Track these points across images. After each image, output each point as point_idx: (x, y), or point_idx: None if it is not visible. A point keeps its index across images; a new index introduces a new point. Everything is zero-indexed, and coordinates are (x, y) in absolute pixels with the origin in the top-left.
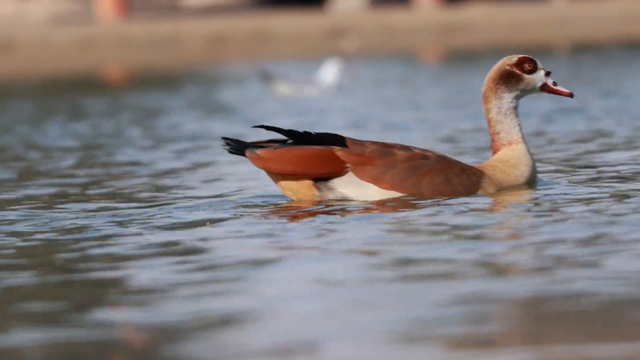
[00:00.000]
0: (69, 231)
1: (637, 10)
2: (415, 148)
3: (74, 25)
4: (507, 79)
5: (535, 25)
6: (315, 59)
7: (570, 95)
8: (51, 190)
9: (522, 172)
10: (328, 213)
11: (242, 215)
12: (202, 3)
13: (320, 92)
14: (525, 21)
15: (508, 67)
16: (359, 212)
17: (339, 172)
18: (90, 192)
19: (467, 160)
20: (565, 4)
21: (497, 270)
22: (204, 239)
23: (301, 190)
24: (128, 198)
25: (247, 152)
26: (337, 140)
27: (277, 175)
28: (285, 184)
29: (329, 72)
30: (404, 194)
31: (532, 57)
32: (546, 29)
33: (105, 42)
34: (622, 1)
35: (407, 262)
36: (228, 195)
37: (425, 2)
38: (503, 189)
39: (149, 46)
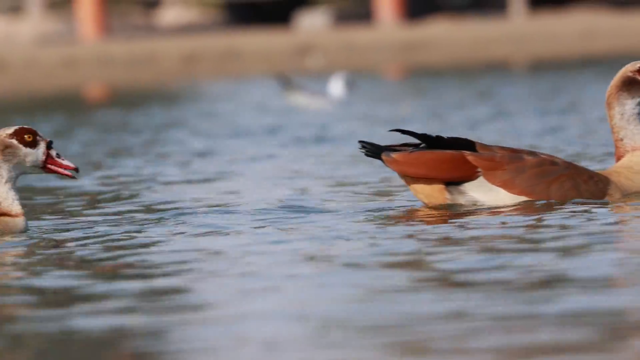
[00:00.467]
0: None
1: (595, 27)
2: (541, 154)
3: (58, 45)
4: (630, 85)
5: (495, 42)
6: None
7: None
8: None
9: None
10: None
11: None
12: (176, 23)
13: (332, 105)
14: (485, 38)
15: (630, 74)
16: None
17: (471, 176)
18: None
19: None
20: (523, 20)
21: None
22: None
23: (433, 193)
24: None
25: (383, 156)
26: (467, 144)
27: (411, 179)
28: (418, 187)
29: (337, 86)
30: (533, 199)
31: None
32: (505, 46)
33: (87, 61)
34: (580, 18)
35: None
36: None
37: (387, 20)
38: (628, 195)
39: (127, 65)
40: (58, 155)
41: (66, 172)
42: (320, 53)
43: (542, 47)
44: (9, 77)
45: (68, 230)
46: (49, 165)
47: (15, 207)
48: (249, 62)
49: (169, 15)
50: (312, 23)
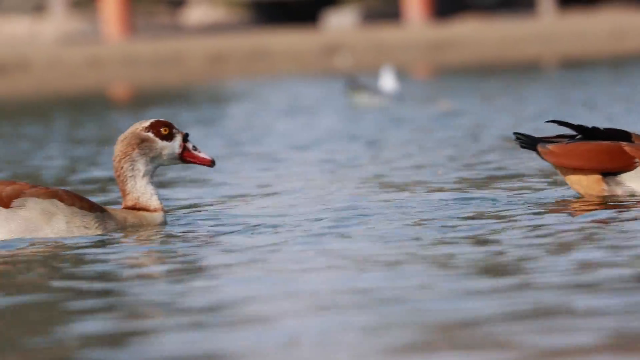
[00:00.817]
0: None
1: (625, 26)
2: None
3: (82, 45)
4: None
5: (524, 41)
6: (310, 75)
7: None
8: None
9: None
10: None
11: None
12: (202, 22)
13: (390, 102)
14: (514, 37)
15: None
16: None
17: (628, 166)
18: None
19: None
20: (553, 19)
21: None
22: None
23: (590, 184)
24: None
25: (539, 147)
26: (623, 135)
27: (567, 170)
28: (574, 178)
29: (389, 81)
30: None
31: None
32: (534, 45)
33: (111, 61)
34: (609, 16)
35: None
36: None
37: (415, 19)
38: None
39: (153, 64)
40: (194, 148)
41: (204, 163)
42: (348, 52)
43: (571, 46)
44: (32, 77)
45: (209, 222)
46: (186, 157)
47: (153, 202)
48: (277, 61)
49: (195, 14)
50: (340, 22)
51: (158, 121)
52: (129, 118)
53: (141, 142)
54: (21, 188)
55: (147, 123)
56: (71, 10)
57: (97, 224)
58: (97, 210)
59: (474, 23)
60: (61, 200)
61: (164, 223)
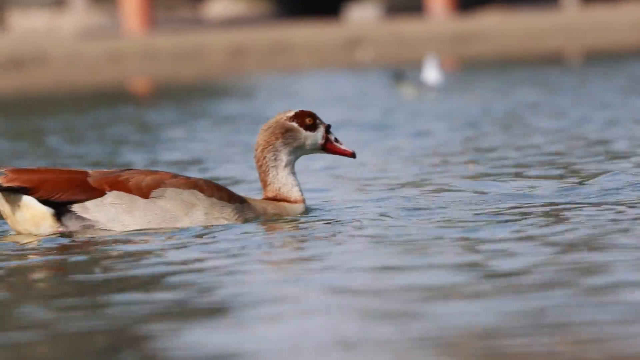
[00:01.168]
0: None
1: None
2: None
3: (102, 39)
4: None
5: (548, 34)
6: (332, 69)
7: None
8: None
9: None
10: None
11: None
12: (223, 15)
13: (435, 93)
14: (538, 29)
15: None
16: None
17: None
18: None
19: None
20: (576, 12)
21: None
22: None
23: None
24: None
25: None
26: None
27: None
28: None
29: (433, 72)
30: None
31: None
32: (558, 37)
33: (131, 55)
34: (634, 8)
35: None
36: None
37: (438, 12)
38: None
39: (173, 58)
40: (336, 140)
41: (345, 154)
42: (370, 46)
43: (595, 39)
44: (52, 72)
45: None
46: (329, 148)
47: (294, 193)
48: (298, 55)
49: (216, 8)
50: (362, 15)
51: (302, 111)
52: (149, 112)
53: (285, 132)
54: (161, 178)
55: (291, 113)
56: (91, 4)
57: (236, 215)
58: (237, 201)
59: (497, 15)
60: (201, 190)
61: (305, 214)
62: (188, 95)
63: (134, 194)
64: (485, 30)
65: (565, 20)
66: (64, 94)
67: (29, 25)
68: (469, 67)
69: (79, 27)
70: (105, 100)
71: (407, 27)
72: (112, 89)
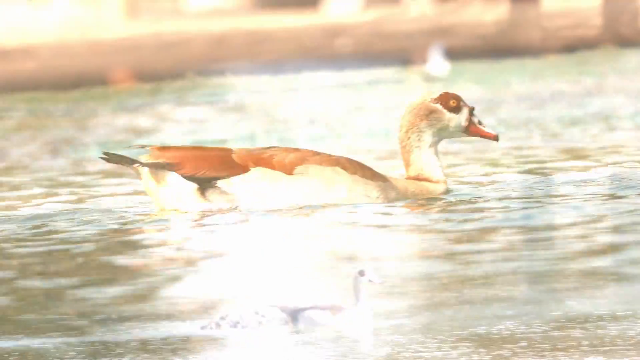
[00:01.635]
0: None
1: None
2: None
3: (84, 29)
4: None
5: (526, 25)
6: (311, 58)
7: None
8: None
9: None
10: None
11: None
12: (203, 6)
13: (442, 82)
14: (517, 20)
15: None
16: None
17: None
18: None
19: None
20: (553, 2)
21: None
22: None
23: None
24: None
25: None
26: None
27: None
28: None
29: (437, 60)
30: None
31: None
32: (536, 28)
33: (113, 45)
34: None
35: None
36: None
37: (420, 2)
38: None
39: (155, 48)
40: (480, 122)
41: (489, 137)
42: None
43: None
44: (35, 63)
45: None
46: (472, 131)
47: (437, 173)
48: (278, 45)
49: None
50: (340, 5)
51: (447, 93)
52: (134, 102)
53: (430, 114)
54: (304, 155)
55: (435, 95)
56: None
57: (377, 193)
58: (379, 179)
59: (478, 6)
60: (344, 168)
61: (446, 194)
62: (169, 85)
63: (278, 170)
64: (466, 21)
65: (542, 12)
66: (49, 85)
67: (10, 16)
68: (451, 59)
69: (61, 18)
70: (87, 91)
71: (388, 17)
72: (94, 80)
